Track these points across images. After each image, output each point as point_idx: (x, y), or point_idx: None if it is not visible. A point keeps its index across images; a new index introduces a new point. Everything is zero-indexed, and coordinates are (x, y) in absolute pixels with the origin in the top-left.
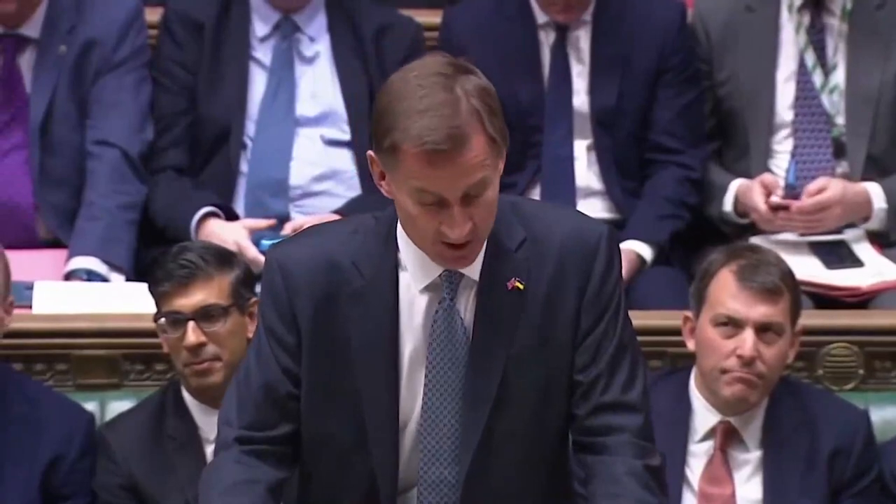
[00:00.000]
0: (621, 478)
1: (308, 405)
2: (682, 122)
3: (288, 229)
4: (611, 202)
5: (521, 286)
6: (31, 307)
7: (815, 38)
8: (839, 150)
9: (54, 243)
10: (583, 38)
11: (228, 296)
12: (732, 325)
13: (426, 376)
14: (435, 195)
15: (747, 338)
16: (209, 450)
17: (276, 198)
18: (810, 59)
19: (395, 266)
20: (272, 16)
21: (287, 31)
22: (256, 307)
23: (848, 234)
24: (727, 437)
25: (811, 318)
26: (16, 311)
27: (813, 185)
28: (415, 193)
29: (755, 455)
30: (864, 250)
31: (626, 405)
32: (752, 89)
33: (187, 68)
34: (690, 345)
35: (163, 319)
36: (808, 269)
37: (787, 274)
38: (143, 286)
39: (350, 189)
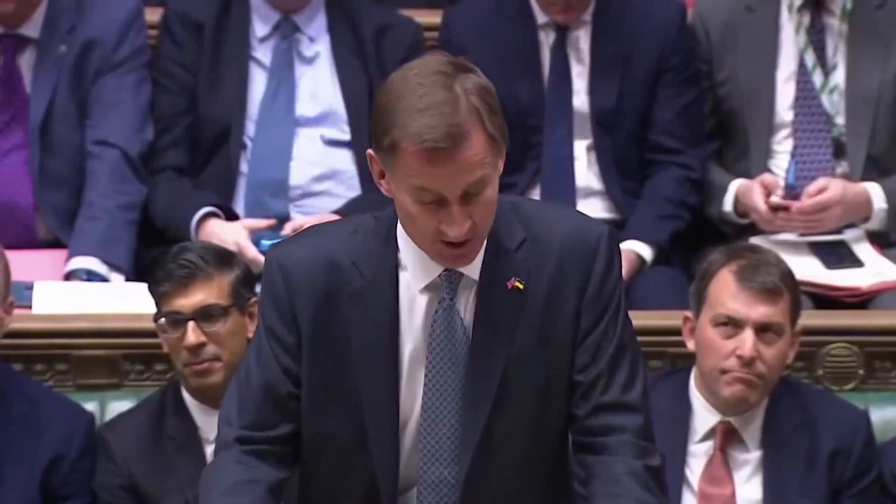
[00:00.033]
0: (621, 478)
1: (308, 405)
2: (682, 122)
3: (288, 229)
4: (611, 202)
5: (520, 286)
6: (31, 307)
7: (815, 38)
8: (839, 151)
9: (54, 243)
10: (583, 39)
11: (228, 296)
12: (732, 325)
13: (426, 376)
14: (434, 193)
15: (747, 338)
16: (209, 450)
17: (276, 198)
18: (810, 59)
19: (395, 266)
20: (272, 16)
21: (287, 31)
22: (256, 307)
23: (848, 235)
24: (727, 438)
25: (811, 318)
26: (16, 311)
27: (813, 186)
28: (414, 192)
29: (755, 455)
30: (864, 250)
31: (626, 405)
32: (752, 89)
33: (187, 68)
34: (690, 345)
35: (163, 319)
36: (808, 269)
37: (787, 274)
38: (143, 286)
39: (350, 189)
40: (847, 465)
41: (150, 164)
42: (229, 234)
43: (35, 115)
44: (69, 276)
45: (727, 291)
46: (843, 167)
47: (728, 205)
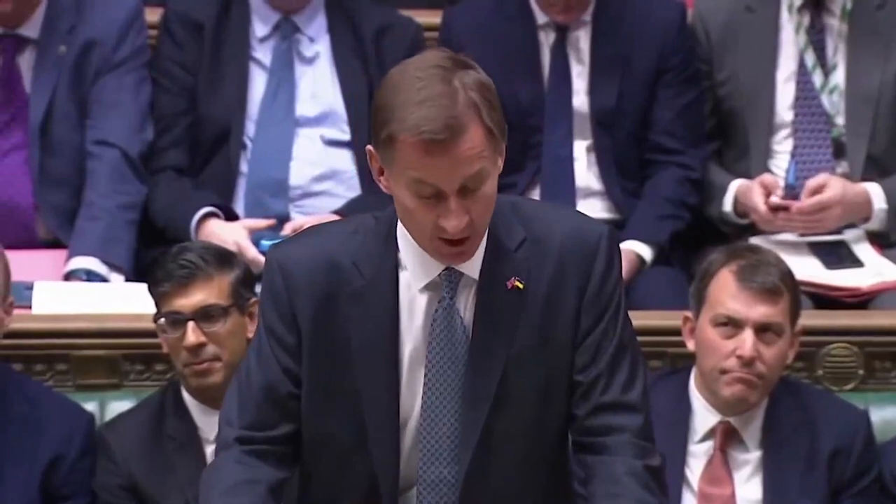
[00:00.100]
0: (621, 478)
1: (308, 405)
2: (681, 122)
3: (288, 229)
4: (611, 202)
5: (520, 285)
6: (30, 307)
7: (815, 38)
8: (839, 151)
9: (54, 243)
10: (583, 39)
11: (228, 296)
12: (732, 325)
13: (426, 375)
14: (432, 186)
15: (747, 338)
16: (209, 450)
17: (276, 198)
18: (810, 59)
19: (395, 266)
20: (272, 16)
21: (287, 31)
22: (256, 307)
23: (848, 235)
24: (727, 438)
25: (811, 318)
26: (16, 312)
27: (812, 182)
28: (412, 185)
29: (755, 455)
30: (864, 251)
31: (626, 405)
32: (752, 89)
33: (187, 68)
34: (690, 345)
35: (162, 320)
36: (807, 269)
37: (787, 274)
38: (143, 286)
39: (350, 189)
40: (847, 465)
41: (150, 164)
42: (229, 234)
43: (35, 115)
44: (69, 277)
45: (727, 291)
46: (843, 167)
47: (728, 205)
